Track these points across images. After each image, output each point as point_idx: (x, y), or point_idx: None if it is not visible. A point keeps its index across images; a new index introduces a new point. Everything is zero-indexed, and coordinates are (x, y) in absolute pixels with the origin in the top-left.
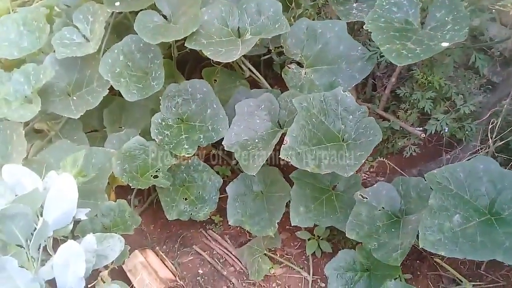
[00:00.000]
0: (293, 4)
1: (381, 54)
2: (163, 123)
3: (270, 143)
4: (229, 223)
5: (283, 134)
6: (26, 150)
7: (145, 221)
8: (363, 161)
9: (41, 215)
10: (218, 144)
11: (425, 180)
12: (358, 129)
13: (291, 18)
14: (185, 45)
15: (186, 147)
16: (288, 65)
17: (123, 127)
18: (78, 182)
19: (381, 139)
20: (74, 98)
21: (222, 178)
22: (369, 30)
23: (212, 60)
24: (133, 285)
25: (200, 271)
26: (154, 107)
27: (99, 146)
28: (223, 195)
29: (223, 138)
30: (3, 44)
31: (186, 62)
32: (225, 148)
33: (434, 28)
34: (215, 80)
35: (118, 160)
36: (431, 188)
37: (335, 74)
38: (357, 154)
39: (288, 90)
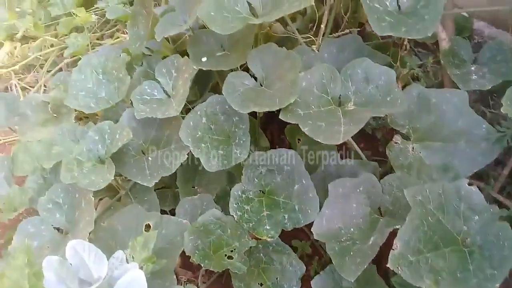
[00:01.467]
0: (398, 63)
1: None
2: (243, 195)
3: (368, 234)
4: None
5: (392, 234)
6: (93, 220)
7: None
8: (497, 285)
9: None
10: None
11: None
12: (486, 235)
13: None
14: (279, 117)
15: (268, 228)
16: (393, 140)
17: (196, 187)
18: (147, 270)
19: None
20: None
21: (300, 256)
22: (508, 115)
23: None
24: None
25: None
26: (231, 170)
27: (170, 206)
28: None
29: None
30: (80, 94)
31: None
32: (315, 237)
33: None
34: (299, 140)
35: (191, 236)
36: None
37: (451, 154)
38: (487, 274)
39: (380, 155)
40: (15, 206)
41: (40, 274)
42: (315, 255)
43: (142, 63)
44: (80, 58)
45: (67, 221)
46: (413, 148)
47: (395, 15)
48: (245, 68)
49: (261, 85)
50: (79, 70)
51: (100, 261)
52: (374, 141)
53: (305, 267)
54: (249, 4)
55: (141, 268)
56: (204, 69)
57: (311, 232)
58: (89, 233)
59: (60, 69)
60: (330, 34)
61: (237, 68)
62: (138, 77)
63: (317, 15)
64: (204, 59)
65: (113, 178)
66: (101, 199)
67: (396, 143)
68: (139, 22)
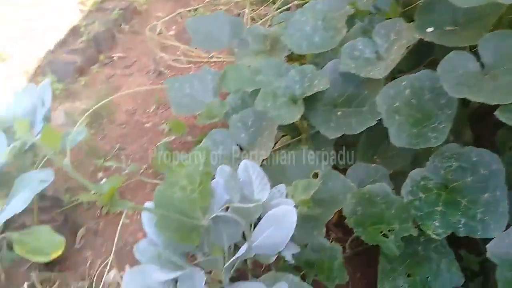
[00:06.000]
0: None
1: None
2: (422, 183)
3: None
4: None
5: None
6: (271, 149)
7: (356, 265)
8: None
9: (254, 228)
10: None
11: None
12: None
13: None
14: (494, 114)
15: (437, 224)
16: None
17: (376, 157)
18: (301, 212)
19: None
20: (339, 113)
21: (465, 271)
22: None
23: None
24: None
25: None
26: (420, 152)
27: (344, 165)
28: None
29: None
30: (296, 34)
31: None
32: (488, 255)
33: None
34: (511, 148)
35: (353, 199)
36: None
37: None
38: None
39: None
40: (212, 115)
41: (210, 175)
42: (480, 274)
43: (364, 20)
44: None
45: (249, 143)
46: None
47: None
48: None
49: (486, 75)
50: (302, 12)
51: (264, 187)
52: None
53: (463, 281)
54: None
55: (296, 207)
56: (426, 40)
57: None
58: (263, 160)
59: (288, 9)
60: None
61: (464, 48)
62: (355, 32)
63: None
64: (430, 29)
65: (299, 118)
66: (283, 136)
67: None
68: None
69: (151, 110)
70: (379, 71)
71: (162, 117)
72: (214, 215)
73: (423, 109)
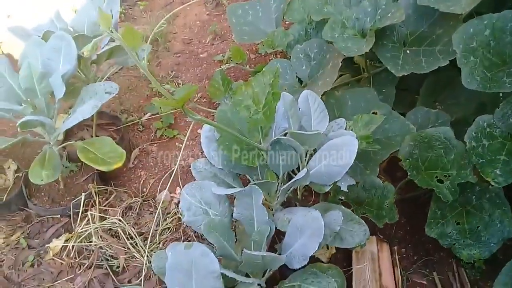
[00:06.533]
0: None
1: None
2: (488, 129)
3: None
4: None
5: None
6: (331, 83)
7: (401, 211)
8: None
9: (309, 159)
10: None
11: None
12: None
13: None
14: None
15: (498, 173)
16: None
17: (437, 104)
18: (359, 146)
19: None
20: (408, 51)
21: None
22: None
23: None
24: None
25: None
26: (486, 101)
27: (402, 109)
28: None
29: None
30: None
31: None
32: None
33: None
34: None
35: (411, 141)
36: None
37: None
38: None
39: None
40: (274, 44)
41: (277, 96)
42: None
43: None
44: None
45: (309, 76)
46: None
47: None
48: None
49: None
50: None
51: (323, 119)
52: None
53: None
54: None
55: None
56: None
57: None
58: (323, 94)
59: None
60: None
61: None
62: None
63: None
64: None
65: (367, 51)
66: (341, 75)
67: None
68: None
69: (207, 41)
70: (461, 6)
71: (218, 48)
72: (276, 138)
73: (501, 52)
